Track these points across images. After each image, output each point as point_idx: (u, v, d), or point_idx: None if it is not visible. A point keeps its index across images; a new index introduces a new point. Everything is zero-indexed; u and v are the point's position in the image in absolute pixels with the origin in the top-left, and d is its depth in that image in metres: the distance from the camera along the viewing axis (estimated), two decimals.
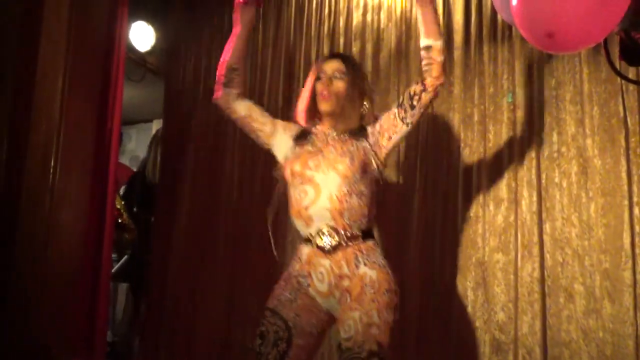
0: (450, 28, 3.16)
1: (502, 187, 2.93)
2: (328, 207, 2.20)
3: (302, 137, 2.41)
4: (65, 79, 2.44)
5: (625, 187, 2.71)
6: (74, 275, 2.43)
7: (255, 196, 3.50)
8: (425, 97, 2.24)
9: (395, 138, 2.31)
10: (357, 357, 2.01)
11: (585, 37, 1.23)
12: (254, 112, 2.51)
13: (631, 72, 2.68)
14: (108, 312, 2.63)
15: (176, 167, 3.77)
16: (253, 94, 3.63)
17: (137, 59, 3.98)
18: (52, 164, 2.38)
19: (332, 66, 2.37)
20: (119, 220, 3.38)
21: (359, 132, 2.34)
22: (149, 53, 3.97)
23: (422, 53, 2.27)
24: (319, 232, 2.21)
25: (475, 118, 3.04)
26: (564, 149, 2.87)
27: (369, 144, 2.31)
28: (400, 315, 2.20)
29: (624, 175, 2.72)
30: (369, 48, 3.37)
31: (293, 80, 3.55)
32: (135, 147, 6.41)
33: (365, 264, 2.17)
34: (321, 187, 2.22)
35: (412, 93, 2.26)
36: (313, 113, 2.42)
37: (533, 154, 2.90)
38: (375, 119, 2.37)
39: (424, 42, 2.25)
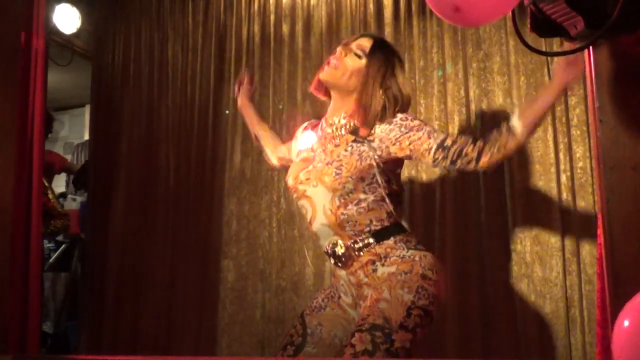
0: (380, 3, 3.18)
1: None
2: (326, 223, 1.99)
3: (305, 137, 2.22)
4: None
5: (553, 155, 2.80)
6: (3, 268, 2.35)
7: (190, 179, 3.46)
8: (470, 167, 1.87)
9: (412, 158, 2.01)
10: (358, 329, 1.83)
11: (492, 11, 1.24)
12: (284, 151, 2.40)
13: (556, 44, 2.77)
14: (41, 305, 2.56)
15: (109, 153, 3.69)
16: (185, 74, 3.57)
17: (63, 42, 3.84)
18: None
19: (359, 42, 2.08)
20: (45, 207, 3.24)
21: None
22: (75, 36, 3.83)
23: (500, 130, 1.88)
24: (327, 248, 2.03)
25: None
26: (493, 120, 2.93)
27: (371, 147, 1.98)
28: None
29: (551, 144, 2.81)
30: (299, 26, 3.35)
31: (224, 60, 3.50)
32: (69, 133, 6.23)
33: (383, 265, 1.94)
34: (315, 201, 2.01)
35: (464, 153, 1.87)
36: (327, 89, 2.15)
37: (463, 126, 2.95)
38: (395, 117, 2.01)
39: (512, 120, 1.86)
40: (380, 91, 2.02)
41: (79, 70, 4.16)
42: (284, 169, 2.31)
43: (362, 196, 1.96)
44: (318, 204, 1.99)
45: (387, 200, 1.97)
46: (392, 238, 1.97)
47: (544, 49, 2.72)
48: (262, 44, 3.40)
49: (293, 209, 3.18)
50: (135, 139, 3.63)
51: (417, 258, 1.93)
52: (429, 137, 1.92)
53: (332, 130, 2.08)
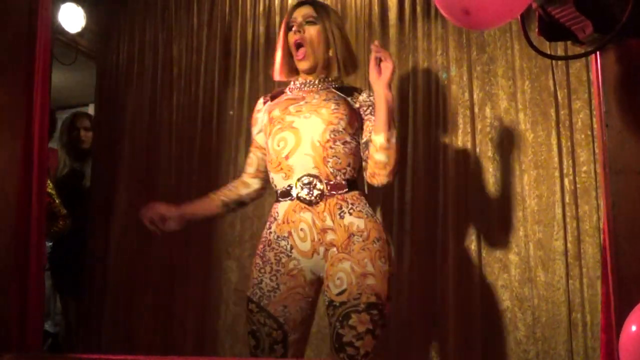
0: (384, 5, 3.17)
1: (437, 163, 2.97)
2: (310, 154, 2.03)
3: (277, 94, 2.27)
4: None
5: (556, 159, 2.80)
6: (5, 267, 2.35)
7: (193, 180, 3.45)
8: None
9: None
10: (354, 310, 1.87)
11: (501, 14, 1.25)
12: (253, 167, 2.31)
13: (560, 48, 2.77)
14: (43, 304, 2.55)
15: (111, 153, 3.68)
16: (189, 74, 3.57)
17: (67, 42, 3.83)
18: None
19: (302, 12, 2.18)
20: (49, 208, 3.22)
21: (347, 90, 2.19)
22: (79, 35, 3.82)
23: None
24: (300, 182, 2.03)
25: (410, 94, 3.07)
26: (496, 123, 2.94)
27: (358, 106, 2.16)
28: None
29: (555, 147, 2.81)
30: None
31: (229, 60, 3.49)
32: None
33: (350, 214, 1.99)
34: (301, 132, 2.05)
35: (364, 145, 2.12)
36: (290, 66, 2.24)
37: (467, 129, 2.95)
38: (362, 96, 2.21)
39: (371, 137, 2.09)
40: (340, 43, 2.18)
41: (83, 70, 4.16)
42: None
43: (348, 138, 2.08)
44: (305, 135, 2.05)
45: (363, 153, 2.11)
46: (357, 191, 2.09)
47: (548, 53, 2.72)
48: (267, 45, 3.39)
49: None
50: (138, 138, 3.62)
51: (377, 219, 2.07)
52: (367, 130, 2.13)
53: (316, 82, 2.20)
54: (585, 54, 1.56)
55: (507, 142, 2.91)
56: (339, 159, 2.04)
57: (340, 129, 2.06)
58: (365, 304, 1.87)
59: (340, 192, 2.02)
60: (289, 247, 2.04)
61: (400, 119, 3.06)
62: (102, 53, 3.90)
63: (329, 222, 1.99)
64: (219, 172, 3.42)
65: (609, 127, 1.60)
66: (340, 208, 2.00)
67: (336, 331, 1.90)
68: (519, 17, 1.44)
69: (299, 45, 2.16)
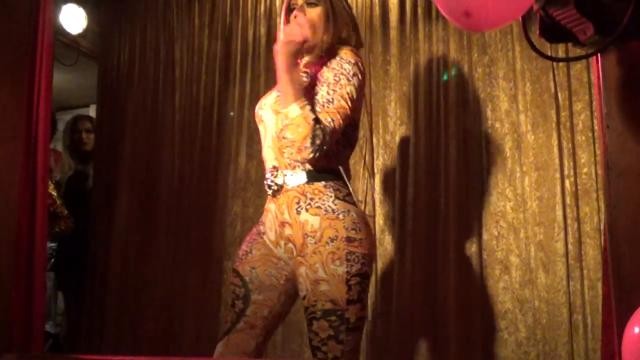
0: (385, 6, 3.18)
1: (438, 164, 2.98)
2: (271, 146, 1.98)
3: None
4: None
5: (557, 161, 2.80)
6: (7, 268, 2.35)
7: (194, 180, 3.46)
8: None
9: None
10: (313, 317, 1.84)
11: (502, 15, 1.25)
12: None
13: (561, 50, 2.78)
14: (45, 304, 2.56)
15: (112, 153, 3.69)
16: (190, 75, 3.58)
17: (69, 42, 3.84)
18: None
19: None
20: (51, 209, 3.22)
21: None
22: (81, 36, 3.84)
23: None
24: (266, 174, 1.98)
25: (411, 96, 3.07)
26: (497, 125, 2.94)
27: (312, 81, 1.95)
28: None
29: (555, 149, 2.81)
30: None
31: (230, 62, 3.50)
32: None
33: (306, 210, 1.88)
34: (267, 125, 2.01)
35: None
36: None
37: (468, 130, 2.95)
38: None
39: None
40: (342, 24, 2.02)
41: (85, 70, 4.17)
42: None
43: None
44: (269, 128, 1.99)
45: None
46: (323, 182, 1.92)
47: (549, 55, 2.72)
48: (267, 46, 3.40)
49: None
50: (139, 139, 3.63)
51: (340, 215, 1.86)
52: (319, 102, 1.88)
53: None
54: (586, 56, 1.56)
55: (508, 143, 2.91)
56: (293, 149, 1.88)
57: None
58: (321, 311, 1.83)
59: (298, 184, 1.91)
60: (263, 232, 2.03)
61: (401, 120, 3.07)
62: (103, 54, 3.91)
63: (286, 216, 1.92)
64: (219, 173, 3.42)
65: (610, 128, 1.60)
66: (298, 202, 1.90)
67: (308, 335, 1.90)
68: (520, 19, 1.44)
69: None
